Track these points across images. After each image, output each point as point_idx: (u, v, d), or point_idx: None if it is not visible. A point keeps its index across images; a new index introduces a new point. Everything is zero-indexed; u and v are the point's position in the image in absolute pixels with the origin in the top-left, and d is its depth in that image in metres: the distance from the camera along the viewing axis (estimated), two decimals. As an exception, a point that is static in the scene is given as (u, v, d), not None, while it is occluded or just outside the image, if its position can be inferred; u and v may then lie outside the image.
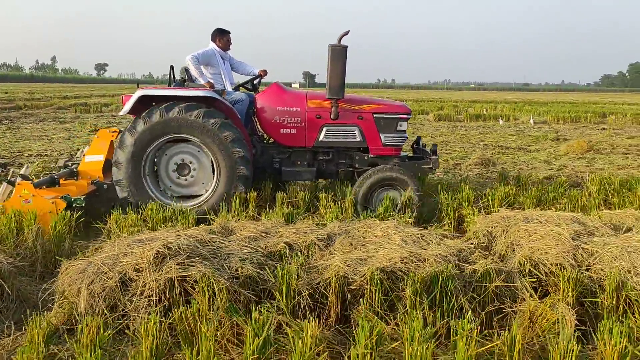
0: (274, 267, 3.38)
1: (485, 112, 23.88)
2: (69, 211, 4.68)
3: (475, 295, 3.32)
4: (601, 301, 3.24)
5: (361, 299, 3.21)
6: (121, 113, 5.68)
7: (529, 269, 3.50)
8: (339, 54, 5.50)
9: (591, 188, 6.51)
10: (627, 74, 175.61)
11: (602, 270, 3.37)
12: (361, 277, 3.25)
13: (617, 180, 6.57)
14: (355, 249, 3.64)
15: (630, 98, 61.13)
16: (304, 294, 3.17)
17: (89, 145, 6.23)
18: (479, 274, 3.35)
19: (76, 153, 7.62)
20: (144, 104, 5.55)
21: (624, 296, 3.21)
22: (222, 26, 6.49)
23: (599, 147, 12.93)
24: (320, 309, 3.28)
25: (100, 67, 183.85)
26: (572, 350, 2.50)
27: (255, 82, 6.57)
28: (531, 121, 19.77)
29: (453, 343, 2.76)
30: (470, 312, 3.19)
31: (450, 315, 3.19)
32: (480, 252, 3.65)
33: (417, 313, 2.94)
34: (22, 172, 5.53)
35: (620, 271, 3.29)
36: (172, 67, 6.27)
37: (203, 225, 4.40)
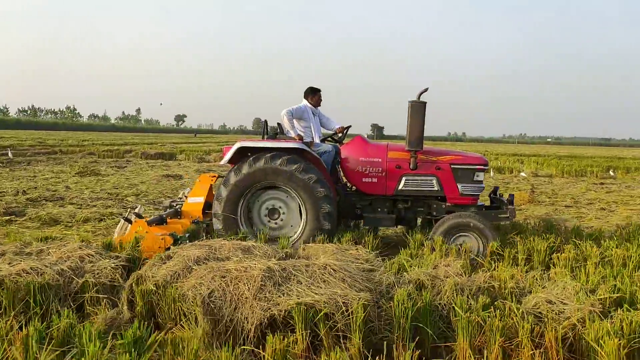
0: None
1: (503, 164, 23.63)
2: None
3: (72, 303, 3.93)
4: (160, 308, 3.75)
5: None
6: (221, 163, 6.42)
7: (137, 281, 4.04)
8: (418, 109, 6.05)
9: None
10: None
11: (183, 285, 3.85)
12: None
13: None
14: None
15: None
16: None
17: (191, 188, 7.00)
18: (79, 285, 3.96)
19: (179, 194, 8.28)
20: (241, 154, 6.21)
21: (180, 307, 3.70)
22: (313, 85, 7.18)
23: (542, 199, 12.79)
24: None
25: (180, 118, 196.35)
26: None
27: (340, 135, 7.19)
28: (522, 174, 19.56)
29: None
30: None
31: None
32: (112, 267, 4.23)
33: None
34: (136, 210, 6.25)
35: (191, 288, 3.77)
36: (265, 121, 6.97)
37: None
